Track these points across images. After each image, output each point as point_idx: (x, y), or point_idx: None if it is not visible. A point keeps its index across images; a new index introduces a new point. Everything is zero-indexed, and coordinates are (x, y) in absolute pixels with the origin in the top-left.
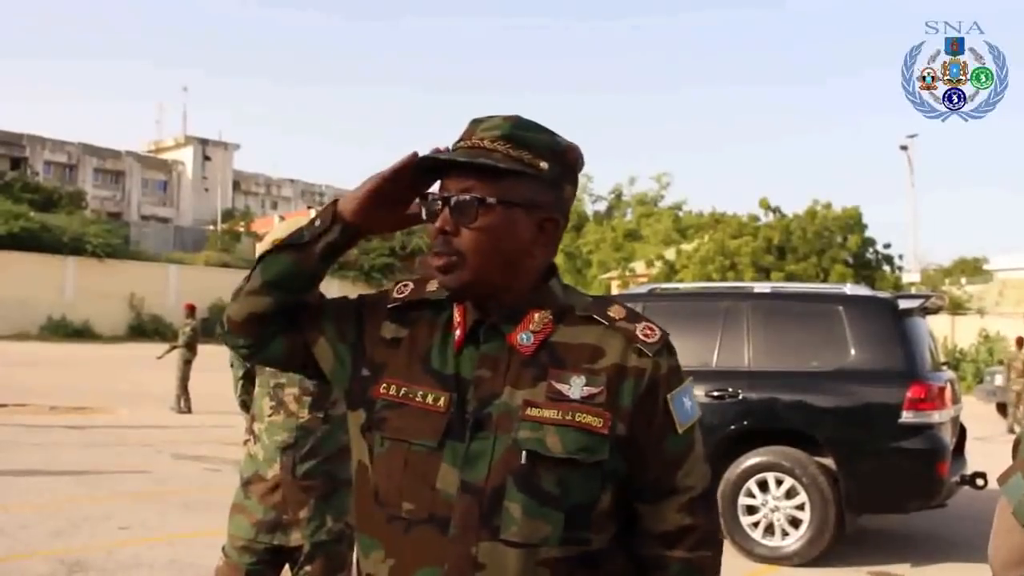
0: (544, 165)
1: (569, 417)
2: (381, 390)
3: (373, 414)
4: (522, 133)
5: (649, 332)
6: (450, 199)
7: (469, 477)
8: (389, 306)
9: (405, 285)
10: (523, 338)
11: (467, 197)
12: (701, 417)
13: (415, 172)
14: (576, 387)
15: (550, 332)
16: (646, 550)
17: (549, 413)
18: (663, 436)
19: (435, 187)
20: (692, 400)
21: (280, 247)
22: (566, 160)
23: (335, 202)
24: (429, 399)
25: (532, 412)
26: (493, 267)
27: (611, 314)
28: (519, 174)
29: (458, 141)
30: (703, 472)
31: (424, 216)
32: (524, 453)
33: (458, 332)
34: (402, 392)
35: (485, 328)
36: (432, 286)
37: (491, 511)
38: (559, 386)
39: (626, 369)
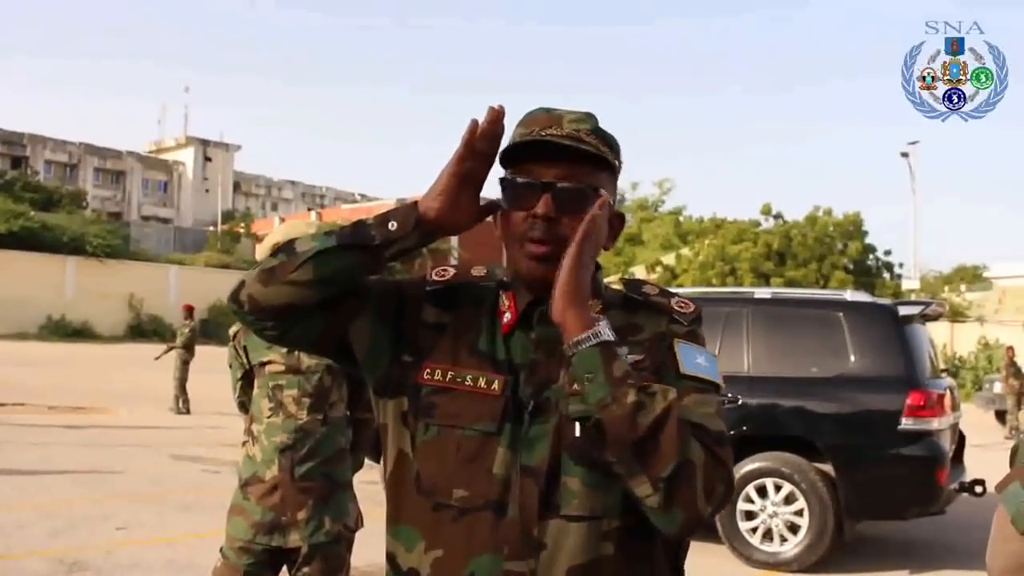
0: (618, 164)
1: None
2: (425, 376)
3: (419, 400)
4: (603, 129)
5: (683, 304)
6: (554, 185)
7: (528, 460)
8: (428, 289)
9: (444, 270)
10: None
11: (581, 186)
12: None
13: (492, 150)
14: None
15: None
16: None
17: None
18: (666, 376)
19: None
20: (708, 363)
21: (344, 246)
22: (621, 162)
23: (414, 205)
24: (482, 383)
25: (576, 386)
26: None
27: (645, 291)
28: (610, 170)
29: (544, 128)
30: (705, 413)
31: (508, 201)
32: (578, 425)
33: (508, 316)
34: (449, 376)
35: (540, 312)
36: (477, 271)
37: (549, 489)
38: None
39: (665, 335)
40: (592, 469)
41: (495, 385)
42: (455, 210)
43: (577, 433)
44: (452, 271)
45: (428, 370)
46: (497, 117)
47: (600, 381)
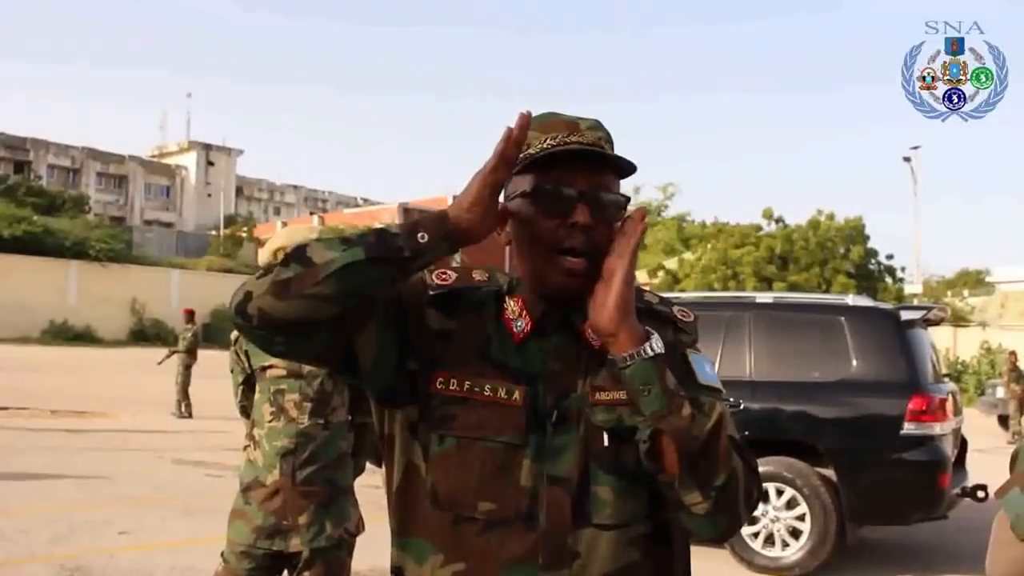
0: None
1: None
2: (438, 385)
3: (431, 411)
4: (611, 137)
5: (684, 314)
6: (591, 195)
7: (554, 471)
8: (432, 293)
9: (446, 273)
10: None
11: (616, 196)
12: None
13: (518, 157)
14: None
15: None
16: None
17: (618, 394)
18: (686, 387)
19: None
20: (713, 371)
21: (373, 259)
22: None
23: (444, 216)
24: (502, 393)
25: (602, 396)
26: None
27: (648, 299)
28: (622, 177)
29: (567, 135)
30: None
31: (540, 209)
32: (606, 434)
33: (523, 323)
34: (466, 386)
35: (556, 320)
36: (479, 275)
37: (580, 499)
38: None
39: (673, 345)
40: (620, 477)
41: (516, 395)
42: (484, 220)
43: (606, 443)
44: (454, 275)
45: (441, 379)
46: (527, 124)
47: (656, 393)
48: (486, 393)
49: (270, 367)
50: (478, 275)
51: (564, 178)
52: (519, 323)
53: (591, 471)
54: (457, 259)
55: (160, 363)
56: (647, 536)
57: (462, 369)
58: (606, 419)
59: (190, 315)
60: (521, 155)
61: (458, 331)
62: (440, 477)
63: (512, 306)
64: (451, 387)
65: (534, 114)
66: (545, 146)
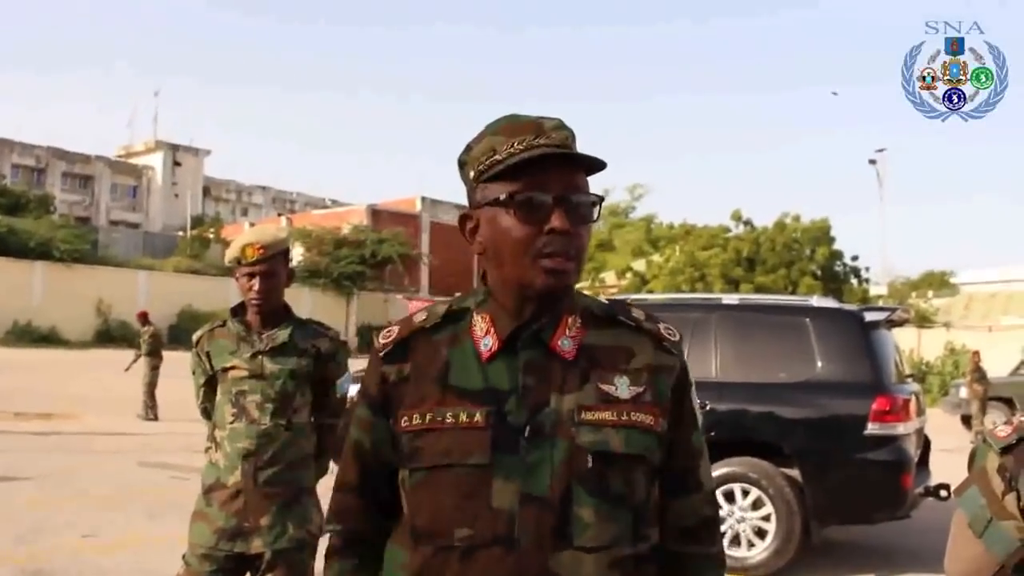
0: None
1: (625, 417)
2: (403, 423)
3: (402, 449)
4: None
5: (670, 332)
6: (568, 199)
7: (530, 489)
8: (381, 355)
9: (389, 331)
10: (564, 343)
11: (591, 198)
12: None
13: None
14: (623, 387)
15: (583, 335)
16: (672, 546)
17: (605, 415)
18: (691, 431)
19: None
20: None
21: None
22: None
23: None
24: (463, 417)
25: (588, 416)
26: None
27: (635, 315)
28: (590, 175)
29: (534, 137)
30: (710, 469)
31: (517, 217)
32: (591, 456)
33: (490, 341)
34: (428, 418)
35: (527, 335)
36: (420, 316)
37: (562, 519)
38: (605, 388)
39: (660, 368)
40: (603, 499)
41: (477, 417)
42: None
43: (590, 464)
44: (396, 327)
45: (405, 417)
46: None
47: None
48: (448, 420)
49: (232, 368)
50: (419, 317)
51: (536, 183)
52: (486, 341)
53: (574, 492)
54: (426, 259)
55: (127, 369)
56: (630, 558)
57: (422, 402)
58: (592, 440)
59: (144, 317)
60: (488, 161)
61: (415, 369)
62: (417, 511)
63: (480, 323)
64: (414, 422)
65: (493, 119)
66: (513, 150)
